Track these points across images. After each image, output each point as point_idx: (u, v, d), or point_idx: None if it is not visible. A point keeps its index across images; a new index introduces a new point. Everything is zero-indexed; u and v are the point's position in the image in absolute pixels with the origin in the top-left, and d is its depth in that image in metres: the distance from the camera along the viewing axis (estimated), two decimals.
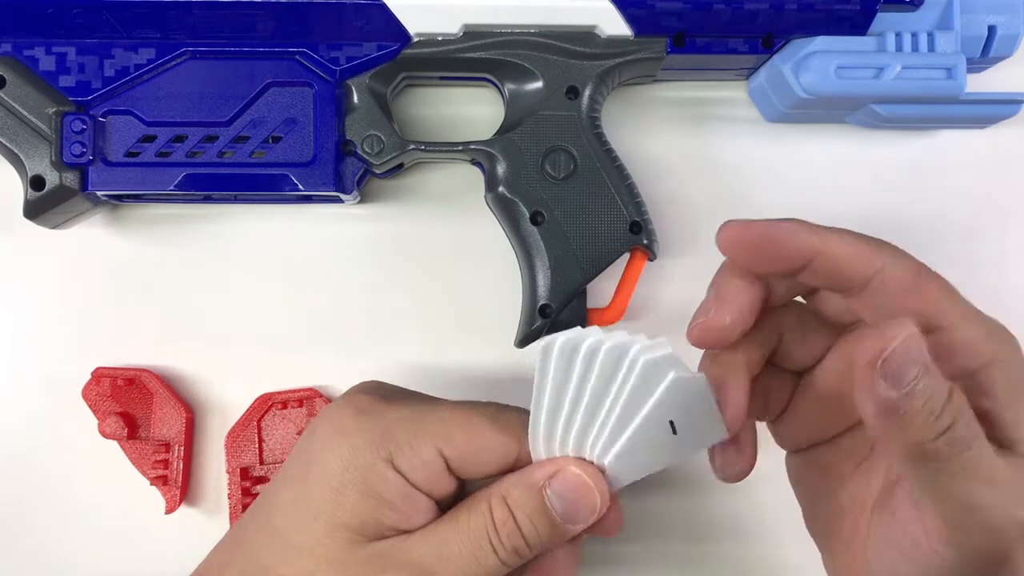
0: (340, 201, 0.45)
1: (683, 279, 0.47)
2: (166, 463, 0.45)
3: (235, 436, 0.45)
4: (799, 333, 0.36)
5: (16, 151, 0.41)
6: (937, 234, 0.48)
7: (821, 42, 0.42)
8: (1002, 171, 0.48)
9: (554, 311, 0.42)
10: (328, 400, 0.46)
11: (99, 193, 0.42)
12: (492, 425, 0.34)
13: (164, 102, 0.41)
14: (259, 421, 0.46)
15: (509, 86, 0.44)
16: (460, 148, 0.43)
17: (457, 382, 0.47)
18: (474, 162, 0.45)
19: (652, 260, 0.43)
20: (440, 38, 0.42)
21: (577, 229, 0.42)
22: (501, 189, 0.43)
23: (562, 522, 0.33)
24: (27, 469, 0.46)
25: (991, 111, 0.44)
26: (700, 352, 0.35)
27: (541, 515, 0.33)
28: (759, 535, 0.47)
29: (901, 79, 0.41)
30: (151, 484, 0.45)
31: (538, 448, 0.34)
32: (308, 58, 0.42)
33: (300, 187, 0.42)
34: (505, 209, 0.43)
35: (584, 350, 0.32)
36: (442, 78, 0.45)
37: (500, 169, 0.43)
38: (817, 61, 0.41)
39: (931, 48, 0.42)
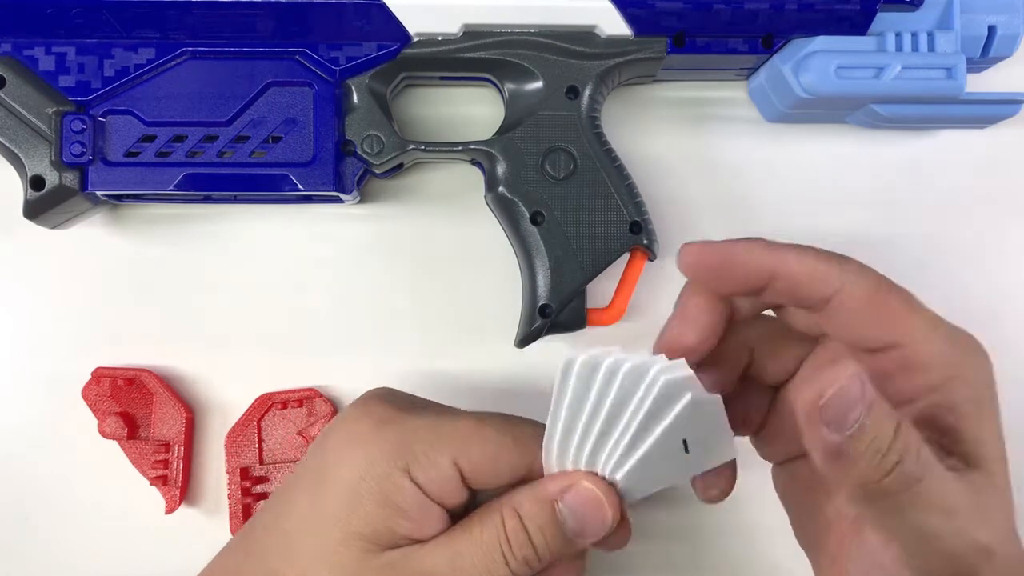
0: (340, 201, 0.45)
1: (683, 279, 0.47)
2: (166, 463, 0.45)
3: (235, 436, 0.45)
4: (770, 347, 0.36)
5: (16, 151, 0.41)
6: (937, 234, 0.48)
7: (821, 42, 0.42)
8: (1002, 171, 0.48)
9: (554, 311, 0.42)
10: (328, 400, 0.46)
11: (99, 193, 0.42)
12: (507, 438, 0.35)
13: (164, 102, 0.41)
14: (259, 421, 0.46)
15: (509, 86, 0.44)
16: (460, 148, 0.43)
17: (457, 382, 0.47)
18: (474, 162, 0.45)
19: (652, 260, 0.43)
20: (440, 38, 0.42)
21: (577, 229, 0.42)
22: (501, 189, 0.43)
23: (573, 536, 0.34)
24: (27, 469, 0.46)
25: (991, 111, 0.44)
26: None
27: (552, 528, 0.34)
28: (759, 537, 0.47)
29: (901, 79, 0.41)
30: (151, 484, 0.45)
31: (551, 462, 0.34)
32: (308, 58, 0.42)
33: (300, 187, 0.42)
34: (505, 209, 0.43)
35: (604, 369, 0.32)
36: (442, 78, 0.45)
37: (500, 169, 0.43)
38: (817, 61, 0.41)
39: (931, 48, 0.42)
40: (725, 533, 0.47)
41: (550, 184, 0.42)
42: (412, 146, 0.43)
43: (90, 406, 0.45)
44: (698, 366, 0.33)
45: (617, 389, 0.32)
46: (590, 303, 0.43)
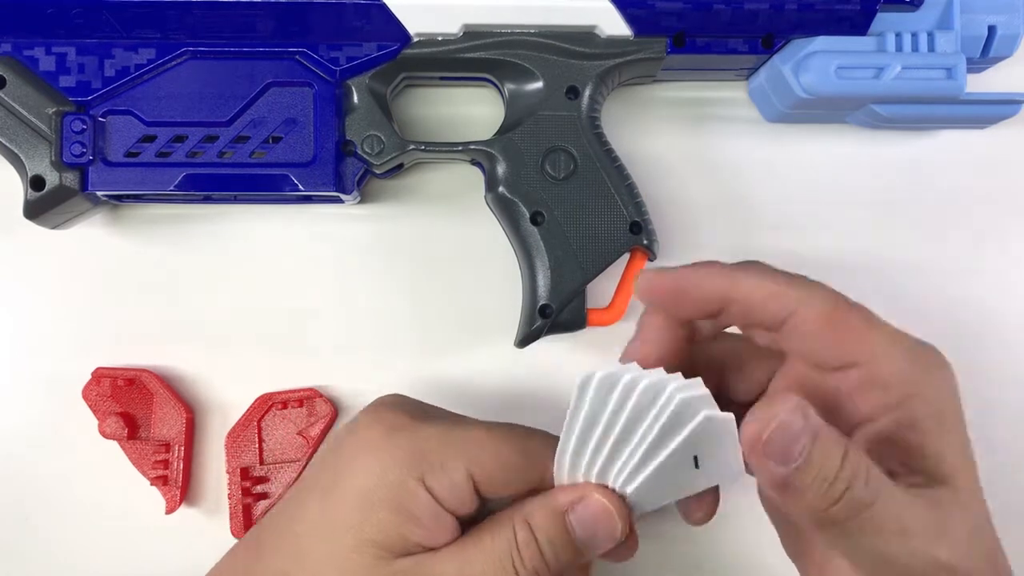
0: (340, 201, 0.45)
1: None
2: (166, 463, 0.45)
3: (235, 436, 0.45)
4: (737, 364, 0.36)
5: (16, 151, 0.41)
6: (937, 234, 0.48)
7: (821, 42, 0.42)
8: (1002, 171, 0.48)
9: (554, 311, 0.42)
10: (328, 400, 0.46)
11: (99, 193, 0.42)
12: (520, 449, 0.35)
13: (164, 102, 0.41)
14: (259, 421, 0.46)
15: (509, 86, 0.44)
16: (460, 148, 0.43)
17: (457, 382, 0.47)
18: (474, 162, 0.45)
19: (652, 260, 0.43)
20: (440, 38, 0.42)
21: (577, 229, 0.42)
22: (501, 189, 0.43)
23: (582, 547, 0.34)
24: (27, 469, 0.46)
25: (991, 111, 0.44)
26: None
27: (563, 539, 0.34)
28: (758, 540, 0.47)
29: (901, 79, 0.41)
30: (151, 484, 0.45)
31: (562, 473, 0.35)
32: (308, 58, 0.42)
33: (300, 187, 0.42)
34: (505, 209, 0.43)
35: (621, 386, 0.32)
36: (442, 78, 0.45)
37: (500, 169, 0.43)
38: (817, 61, 0.41)
39: (931, 48, 0.42)
40: (723, 539, 0.47)
41: (550, 184, 0.42)
42: (412, 146, 0.43)
43: (90, 406, 0.45)
44: None
45: (633, 405, 0.32)
46: (590, 303, 0.43)
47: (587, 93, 0.42)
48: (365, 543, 0.33)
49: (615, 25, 0.42)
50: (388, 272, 0.47)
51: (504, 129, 0.43)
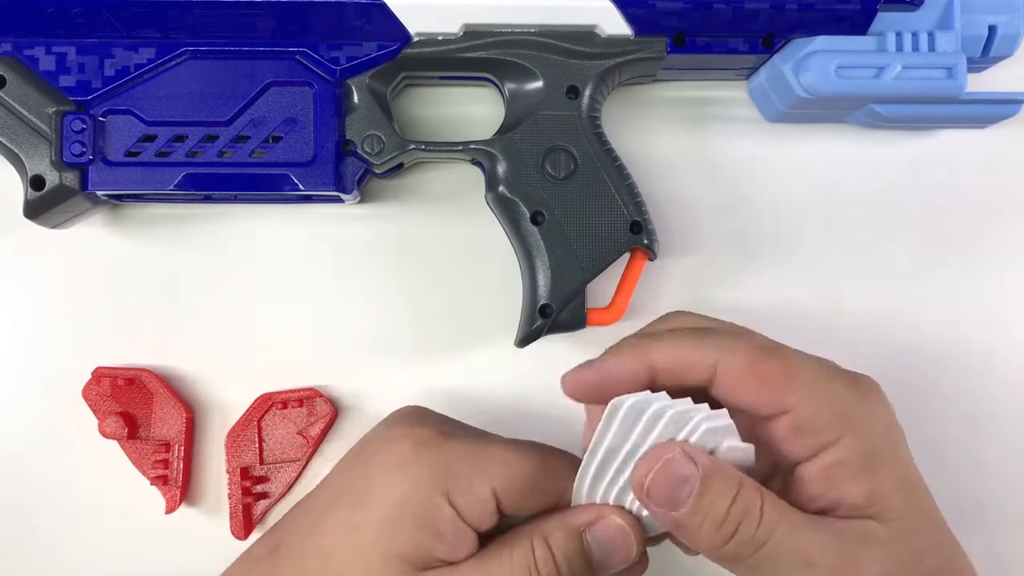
0: (340, 201, 0.45)
1: (683, 279, 0.47)
2: (166, 463, 0.45)
3: (235, 436, 0.45)
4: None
5: (16, 151, 0.41)
6: (937, 234, 0.48)
7: (821, 42, 0.42)
8: (1002, 171, 0.48)
9: (554, 311, 0.42)
10: (328, 400, 0.46)
11: (99, 193, 0.42)
12: (542, 469, 0.36)
13: (164, 102, 0.41)
14: (259, 421, 0.46)
15: (509, 86, 0.44)
16: (460, 148, 0.43)
17: (457, 382, 0.47)
18: (474, 162, 0.45)
19: (652, 260, 0.43)
20: (440, 38, 0.42)
21: (577, 229, 0.42)
22: (501, 189, 0.43)
23: (597, 566, 0.35)
24: (27, 469, 0.46)
25: (991, 111, 0.44)
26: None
27: (579, 558, 0.35)
28: None
29: (901, 79, 0.41)
30: (151, 484, 0.45)
31: (581, 493, 0.36)
32: (308, 58, 0.42)
33: (300, 187, 0.41)
34: (505, 209, 0.43)
35: (649, 413, 0.33)
36: (442, 78, 0.45)
37: (500, 169, 0.43)
38: (817, 61, 0.41)
39: (931, 48, 0.42)
40: None
41: (550, 184, 0.42)
42: (412, 146, 0.43)
43: (90, 406, 0.45)
44: None
45: (659, 432, 0.33)
46: (590, 303, 0.43)
47: (587, 93, 0.42)
48: (392, 557, 0.34)
49: (615, 25, 0.42)
50: (388, 272, 0.47)
51: (504, 129, 0.43)
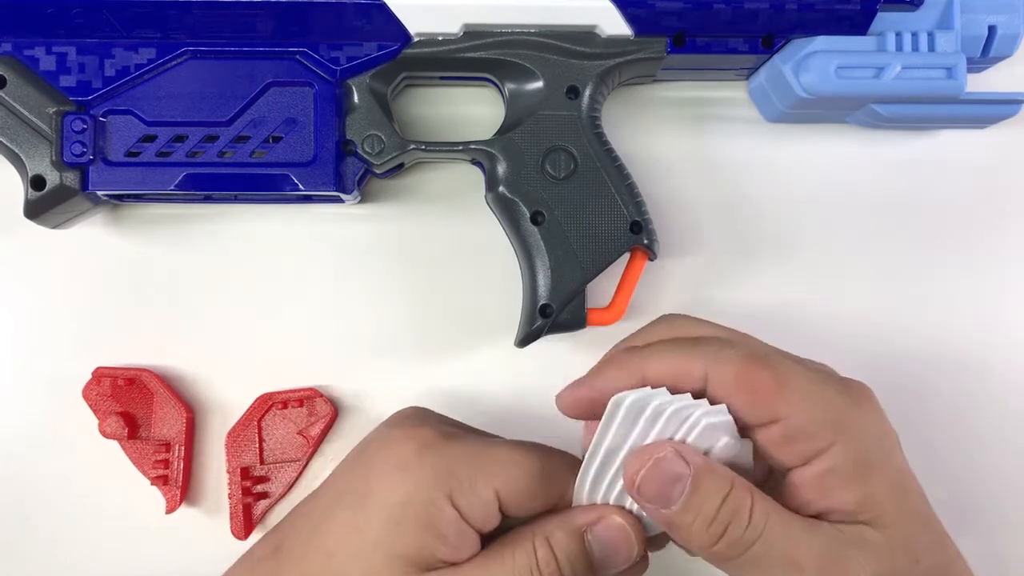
0: (340, 201, 0.45)
1: (683, 279, 0.47)
2: (166, 463, 0.45)
3: (235, 436, 0.45)
4: None
5: (16, 151, 0.41)
6: (937, 234, 0.48)
7: (821, 42, 0.42)
8: (1002, 171, 0.48)
9: (554, 311, 0.42)
10: (328, 400, 0.46)
11: (99, 193, 0.42)
12: (543, 469, 0.36)
13: (164, 102, 0.41)
14: (259, 421, 0.46)
15: (509, 86, 0.44)
16: (460, 148, 0.43)
17: (457, 382, 0.47)
18: (474, 162, 0.45)
19: (652, 260, 0.44)
20: (440, 38, 0.42)
21: (577, 229, 0.42)
22: (501, 189, 0.43)
23: (599, 565, 0.35)
24: (27, 469, 0.46)
25: (991, 111, 0.44)
26: None
27: (581, 558, 0.35)
28: None
29: (901, 79, 0.41)
30: (151, 484, 0.45)
31: (582, 494, 0.36)
32: (308, 58, 0.42)
33: (300, 187, 0.42)
34: (505, 209, 0.43)
35: (650, 410, 0.33)
36: (442, 78, 0.45)
37: (500, 169, 0.43)
38: (817, 61, 0.41)
39: (931, 48, 0.42)
40: None
41: (550, 184, 0.42)
42: (412, 146, 0.43)
43: (90, 406, 0.45)
44: None
45: (660, 430, 0.33)
46: (590, 303, 0.43)
47: (587, 93, 0.42)
48: (395, 559, 0.34)
49: (615, 25, 0.42)
50: (388, 272, 0.47)
51: (504, 129, 0.43)
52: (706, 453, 0.33)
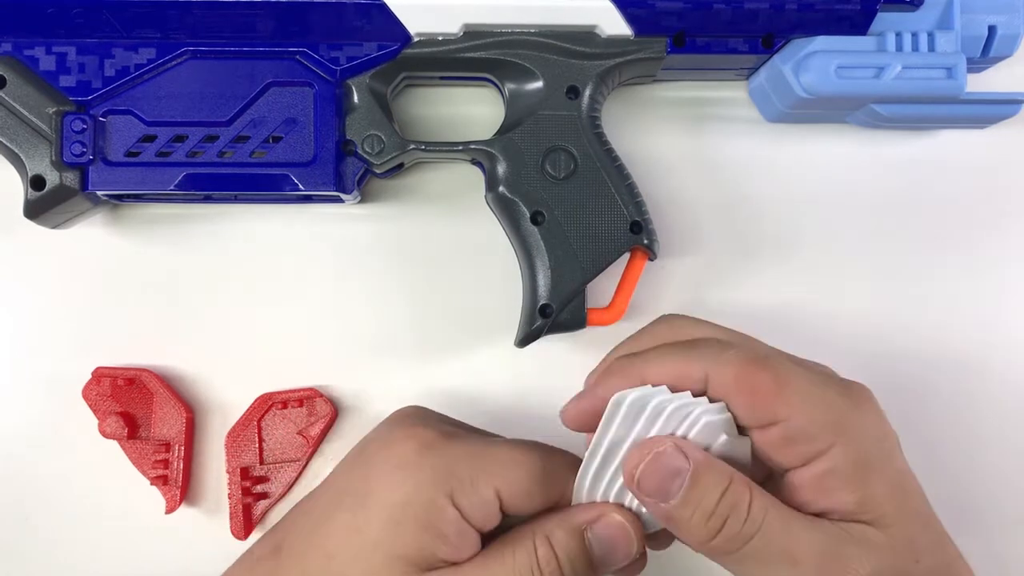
0: (340, 201, 0.45)
1: (683, 279, 0.47)
2: (166, 463, 0.45)
3: (235, 436, 0.45)
4: None
5: (16, 151, 0.41)
6: (937, 234, 0.48)
7: (821, 42, 0.42)
8: (1002, 171, 0.48)
9: (554, 311, 0.42)
10: (328, 400, 0.46)
11: (99, 193, 0.42)
12: (544, 468, 0.36)
13: (164, 102, 0.41)
14: (259, 421, 0.46)
15: (509, 86, 0.44)
16: (460, 148, 0.43)
17: (457, 382, 0.47)
18: (474, 162, 0.45)
19: (652, 260, 0.44)
20: (440, 38, 0.42)
21: (577, 229, 0.42)
22: (501, 189, 0.43)
23: (599, 563, 0.35)
24: (27, 469, 0.46)
25: (991, 111, 0.44)
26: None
27: (581, 556, 0.35)
28: None
29: (901, 79, 0.41)
30: (151, 484, 0.45)
31: (582, 492, 0.36)
32: (308, 58, 0.42)
33: (300, 187, 0.42)
34: (505, 209, 0.43)
35: (649, 410, 0.34)
36: (442, 78, 0.45)
37: (500, 169, 0.43)
38: (817, 61, 0.41)
39: (931, 48, 0.42)
40: None
41: (550, 184, 0.42)
42: (412, 146, 0.43)
43: (90, 406, 0.45)
44: None
45: (660, 428, 0.34)
46: (590, 303, 0.43)
47: (587, 93, 0.42)
48: (396, 559, 0.34)
49: (615, 25, 0.42)
50: (388, 272, 0.47)
51: (504, 129, 0.43)
52: (706, 449, 0.33)
